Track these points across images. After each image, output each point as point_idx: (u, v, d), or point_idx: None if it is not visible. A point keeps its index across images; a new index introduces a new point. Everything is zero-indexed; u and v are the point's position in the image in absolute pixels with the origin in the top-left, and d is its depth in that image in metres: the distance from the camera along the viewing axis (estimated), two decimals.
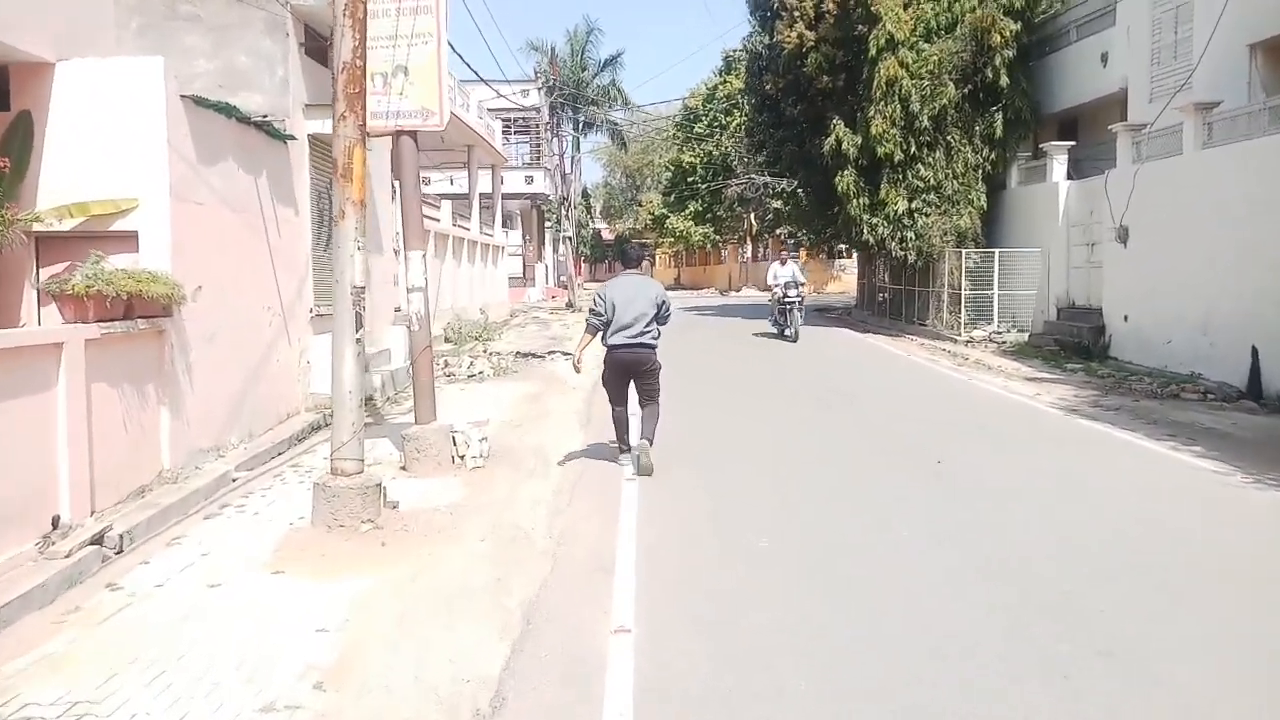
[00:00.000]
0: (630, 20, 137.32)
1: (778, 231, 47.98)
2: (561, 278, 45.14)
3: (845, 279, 45.08)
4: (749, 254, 49.28)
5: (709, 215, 53.15)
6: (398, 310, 17.95)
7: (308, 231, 11.57)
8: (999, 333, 19.71)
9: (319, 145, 12.27)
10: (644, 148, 75.91)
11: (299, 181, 11.54)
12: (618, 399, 8.60)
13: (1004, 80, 20.95)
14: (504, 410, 11.69)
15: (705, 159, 52.26)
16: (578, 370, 8.80)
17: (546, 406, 11.95)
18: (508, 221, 42.80)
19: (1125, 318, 16.62)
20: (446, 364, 15.87)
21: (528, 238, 44.09)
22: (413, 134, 8.83)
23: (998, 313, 20.16)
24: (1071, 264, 19.11)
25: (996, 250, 20.26)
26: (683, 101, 54.69)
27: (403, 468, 8.54)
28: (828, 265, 47.04)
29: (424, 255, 8.69)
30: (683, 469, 8.36)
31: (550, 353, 18.31)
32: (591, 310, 8.35)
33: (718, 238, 54.32)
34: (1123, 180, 16.57)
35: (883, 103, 21.27)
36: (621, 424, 8.78)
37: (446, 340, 20.38)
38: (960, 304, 20.41)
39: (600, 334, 8.31)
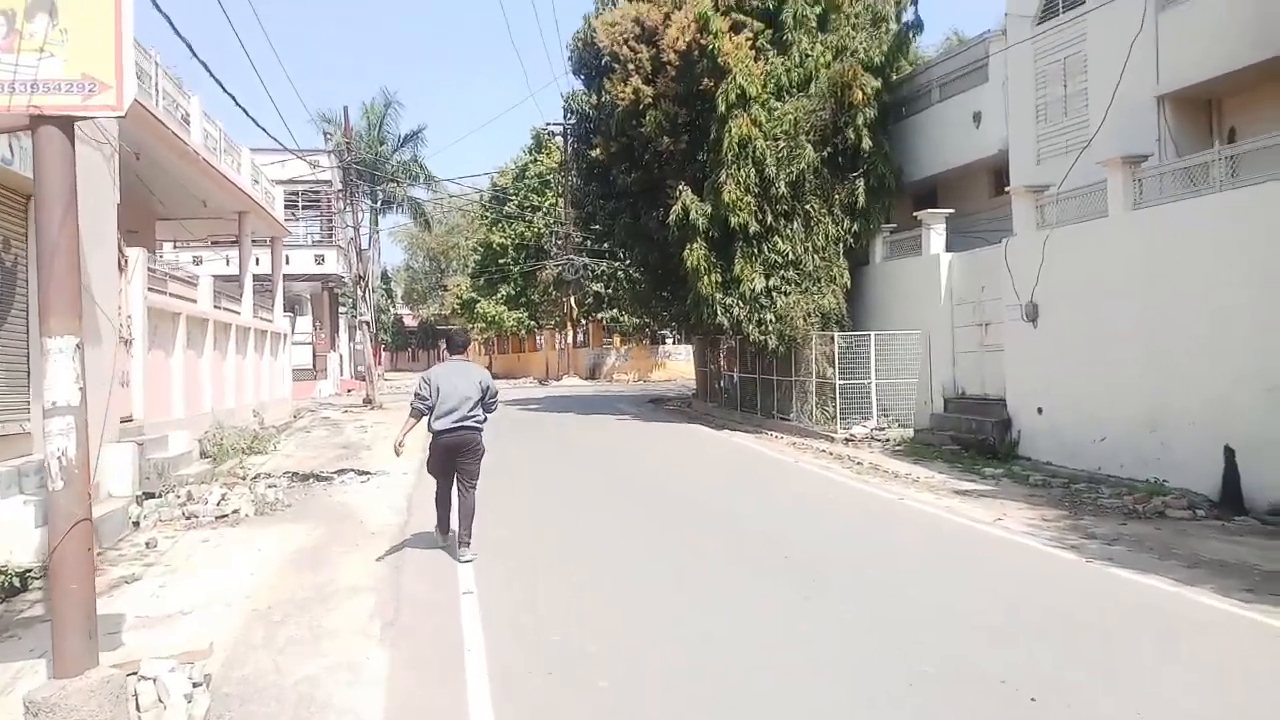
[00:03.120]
0: (436, 92, 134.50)
1: (599, 315, 44.92)
2: (359, 368, 40.21)
3: (670, 366, 42.44)
4: (570, 340, 45.76)
5: (523, 299, 49.52)
6: (126, 421, 13.28)
7: None
8: (880, 429, 16.94)
9: None
10: (449, 229, 72.09)
11: None
12: (445, 481, 8.55)
13: (866, 143, 18.69)
14: (259, 586, 7.48)
15: (517, 240, 48.86)
16: (398, 453, 8.45)
17: (329, 576, 7.80)
18: (295, 306, 37.72)
19: (1039, 410, 14.12)
20: (190, 497, 11.35)
21: (318, 324, 39.03)
22: (67, 123, 4.83)
23: (876, 405, 17.43)
24: (959, 348, 16.66)
25: (872, 333, 17.61)
26: (491, 179, 51.37)
27: None
28: (651, 351, 44.24)
29: (78, 345, 4.60)
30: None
31: (341, 471, 13.97)
32: (416, 395, 8.29)
33: (533, 323, 50.64)
34: (1027, 249, 14.25)
35: (735, 166, 18.53)
36: (445, 505, 8.65)
37: (203, 455, 15.69)
38: (834, 396, 17.56)
39: (425, 419, 8.24)
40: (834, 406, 17.64)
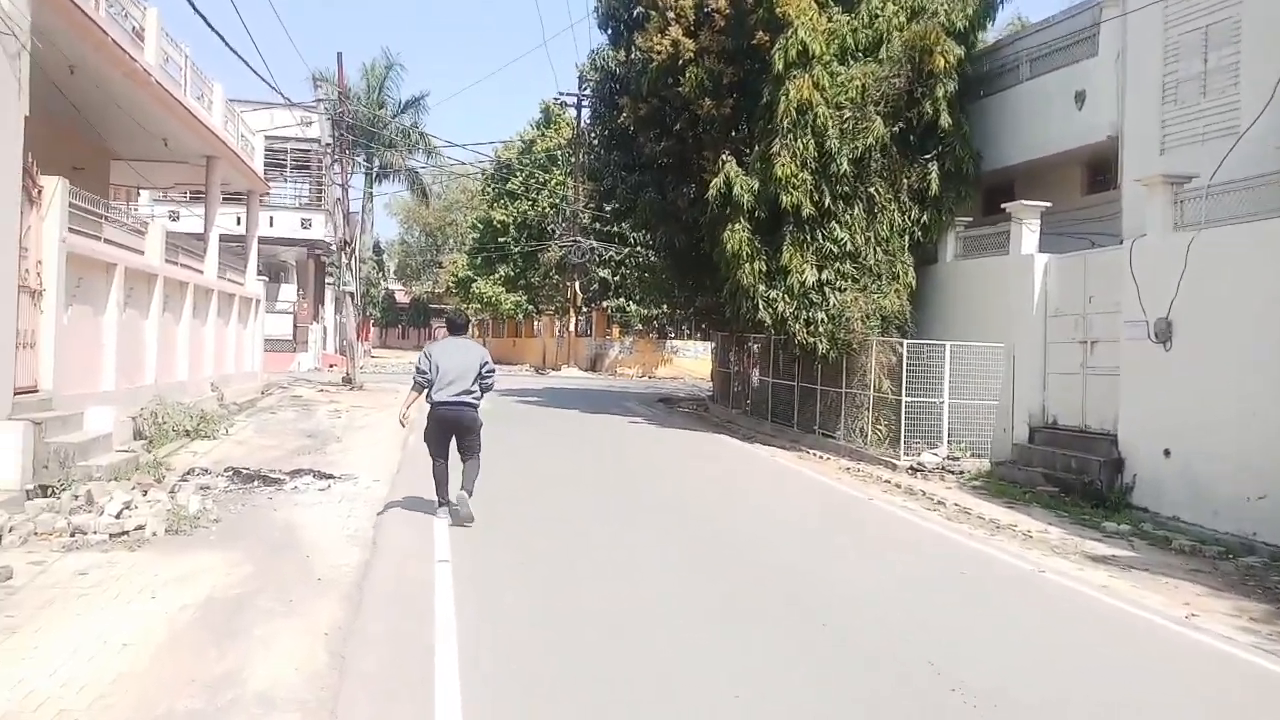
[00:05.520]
0: (441, 58, 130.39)
1: (605, 304, 42.01)
2: (343, 342, 37.32)
3: (678, 362, 39.57)
4: (571, 328, 42.75)
5: (522, 281, 46.56)
6: (27, 392, 10.42)
7: None
8: (953, 459, 14.20)
9: None
10: (448, 205, 69.12)
11: None
12: (439, 452, 8.88)
13: (945, 120, 15.90)
14: (125, 676, 4.70)
15: (519, 218, 45.89)
16: (403, 424, 9.24)
17: (238, 662, 5.00)
18: (281, 274, 34.89)
19: (1166, 452, 11.37)
20: (89, 500, 8.54)
21: (302, 293, 36.13)
22: None
23: (947, 430, 14.67)
24: (1052, 368, 13.91)
25: (948, 344, 14.84)
26: (494, 152, 48.35)
27: None
28: (658, 345, 41.33)
29: None
30: None
31: (297, 473, 11.11)
32: (417, 369, 8.81)
33: (532, 308, 47.66)
34: (1160, 254, 11.50)
35: (791, 135, 15.71)
36: (442, 479, 8.94)
37: (138, 437, 12.94)
38: (896, 415, 14.80)
39: (426, 392, 8.68)
40: (893, 426, 14.90)
